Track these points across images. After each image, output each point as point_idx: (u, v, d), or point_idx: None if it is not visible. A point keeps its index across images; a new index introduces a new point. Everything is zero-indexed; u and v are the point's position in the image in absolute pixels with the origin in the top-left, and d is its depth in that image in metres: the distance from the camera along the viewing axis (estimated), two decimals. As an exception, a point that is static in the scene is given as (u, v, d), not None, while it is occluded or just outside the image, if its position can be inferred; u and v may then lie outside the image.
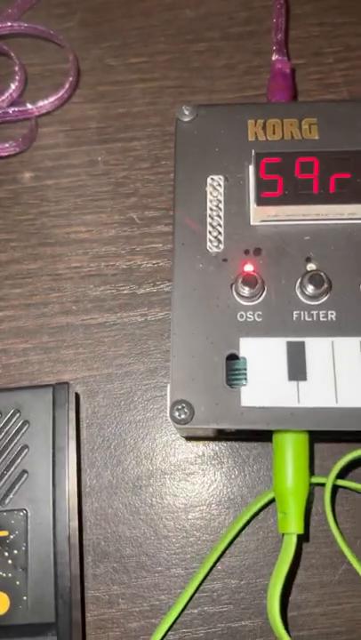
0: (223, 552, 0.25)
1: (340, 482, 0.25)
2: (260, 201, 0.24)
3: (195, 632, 0.25)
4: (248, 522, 0.25)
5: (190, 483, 0.26)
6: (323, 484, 0.24)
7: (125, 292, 0.29)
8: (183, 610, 0.25)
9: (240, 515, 0.25)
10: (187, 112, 0.27)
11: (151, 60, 0.33)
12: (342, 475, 0.25)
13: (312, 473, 0.25)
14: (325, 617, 0.24)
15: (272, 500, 0.25)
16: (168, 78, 0.33)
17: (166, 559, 0.25)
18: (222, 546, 0.25)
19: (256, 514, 0.25)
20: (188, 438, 0.27)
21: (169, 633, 0.24)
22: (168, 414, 0.23)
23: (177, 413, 0.23)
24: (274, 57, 0.30)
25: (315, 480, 0.24)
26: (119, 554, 0.25)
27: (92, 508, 0.26)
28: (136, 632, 0.25)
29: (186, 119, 0.27)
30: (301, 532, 0.23)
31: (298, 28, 0.33)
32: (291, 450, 0.24)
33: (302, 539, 0.25)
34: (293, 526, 0.23)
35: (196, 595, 0.25)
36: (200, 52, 0.33)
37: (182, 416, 0.23)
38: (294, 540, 0.23)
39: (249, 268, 0.25)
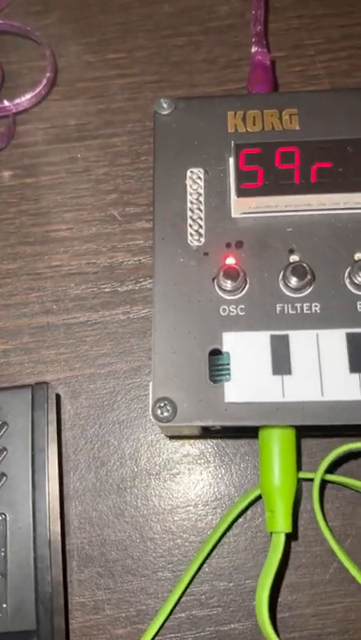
0: (210, 553, 0.24)
1: (330, 477, 0.24)
2: (241, 192, 0.24)
3: (183, 636, 0.24)
4: (234, 521, 0.24)
5: (176, 483, 0.26)
6: (311, 480, 0.24)
7: (107, 289, 0.28)
8: (170, 614, 0.24)
9: (226, 514, 0.24)
10: (165, 105, 0.27)
11: (130, 55, 0.33)
12: (331, 470, 0.25)
13: (300, 469, 0.24)
14: (317, 617, 0.24)
15: (258, 498, 0.24)
16: (147, 73, 0.32)
17: (153, 562, 0.25)
18: (209, 547, 0.24)
19: (242, 512, 0.25)
20: (173, 437, 0.26)
21: (156, 638, 0.24)
22: (150, 412, 0.22)
23: (159, 411, 0.22)
24: (253, 49, 0.29)
25: (303, 476, 0.24)
26: (104, 558, 0.25)
27: (76, 511, 0.25)
28: (123, 638, 0.24)
29: (164, 112, 0.27)
30: (290, 530, 0.22)
31: (278, 20, 0.33)
32: (277, 446, 0.23)
33: (291, 537, 0.24)
34: (281, 525, 0.22)
35: (184, 598, 0.24)
36: (179, 46, 0.33)
37: (165, 414, 0.23)
38: (282, 538, 0.22)
39: (231, 261, 0.24)
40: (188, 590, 0.24)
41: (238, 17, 0.32)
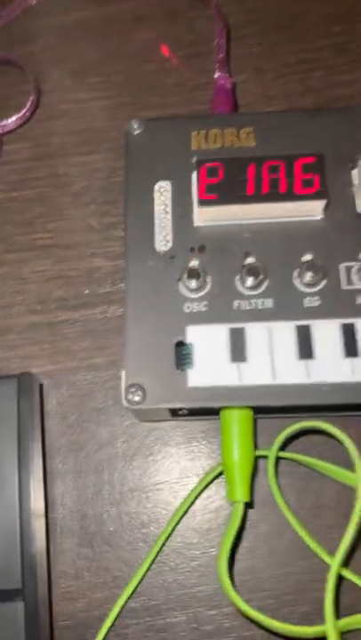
0: (178, 522, 0.27)
1: (283, 454, 0.27)
2: (202, 203, 0.27)
3: (154, 598, 0.27)
4: (200, 494, 0.27)
5: (150, 463, 0.28)
6: (267, 457, 0.27)
7: (87, 291, 0.31)
8: (143, 578, 0.27)
9: (193, 488, 0.27)
10: (136, 126, 0.30)
11: (108, 79, 0.36)
12: (285, 448, 0.27)
13: (257, 448, 0.27)
14: (275, 579, 0.27)
15: (221, 473, 0.27)
16: (123, 96, 0.35)
17: (128, 534, 0.28)
18: (177, 518, 0.27)
19: (207, 486, 0.27)
20: (145, 421, 0.29)
21: (130, 601, 0.26)
22: (123, 397, 0.25)
23: (130, 396, 0.25)
24: (216, 74, 0.33)
25: (259, 453, 0.27)
26: (84, 531, 0.28)
27: (58, 490, 0.28)
28: (101, 601, 0.27)
29: (135, 132, 0.30)
30: (247, 499, 0.25)
31: (240, 47, 0.36)
32: (236, 425, 0.26)
33: (249, 506, 0.27)
34: (240, 495, 0.25)
35: (157, 565, 0.27)
36: (152, 71, 0.36)
37: (136, 398, 0.25)
38: (241, 507, 0.25)
39: (194, 263, 0.27)
40: (160, 557, 0.27)
41: (204, 45, 0.36)
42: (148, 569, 0.27)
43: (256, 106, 0.35)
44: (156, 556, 0.27)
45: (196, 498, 0.27)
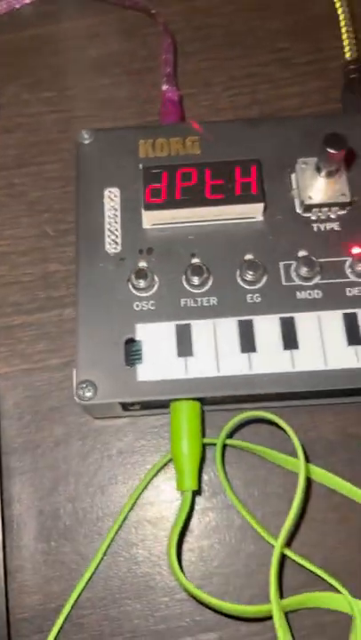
0: (128, 512, 0.28)
1: (230, 441, 0.28)
2: (148, 207, 0.28)
3: (109, 588, 0.27)
4: (148, 484, 0.28)
5: (104, 459, 0.29)
6: (215, 444, 0.28)
7: (42, 295, 0.32)
8: (96, 570, 0.28)
9: (143, 478, 0.28)
10: (86, 135, 0.31)
11: (61, 94, 0.37)
12: (234, 439, 0.29)
13: (205, 436, 0.28)
14: (223, 565, 0.28)
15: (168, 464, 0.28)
16: (77, 109, 0.37)
17: (85, 528, 0.28)
18: (127, 508, 0.28)
19: (154, 476, 0.29)
20: (99, 418, 0.30)
21: (85, 592, 0.27)
22: (74, 393, 0.26)
23: (81, 392, 0.26)
24: (164, 87, 0.34)
25: (207, 441, 0.28)
26: (40, 526, 0.28)
27: (15, 487, 0.29)
28: (57, 594, 0.27)
29: (86, 142, 0.31)
30: (196, 488, 0.26)
31: (189, 62, 0.38)
32: (184, 416, 0.27)
33: (198, 494, 0.28)
34: (188, 483, 0.26)
35: (111, 556, 0.28)
36: (105, 85, 0.37)
37: (87, 394, 0.26)
38: (190, 495, 0.26)
39: (142, 264, 0.28)
40: (115, 549, 0.28)
41: (155, 60, 0.37)
42: (101, 560, 0.28)
43: (205, 117, 0.36)
44: (108, 547, 0.28)
45: (144, 488, 0.28)
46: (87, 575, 0.27)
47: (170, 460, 0.28)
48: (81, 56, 0.38)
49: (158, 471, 0.29)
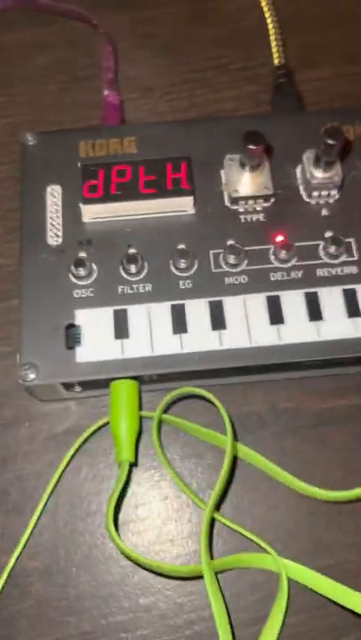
0: (58, 481, 0.30)
1: (166, 417, 0.30)
2: (86, 201, 0.31)
3: (58, 549, 0.29)
4: (80, 446, 0.31)
5: (51, 438, 0.31)
6: (152, 418, 0.30)
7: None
8: (33, 530, 0.29)
9: (72, 445, 0.31)
10: (30, 138, 0.33)
11: (11, 99, 0.39)
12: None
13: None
14: (161, 529, 0.30)
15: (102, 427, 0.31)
16: (25, 114, 0.39)
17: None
18: (57, 476, 0.30)
19: (87, 439, 0.31)
20: (44, 400, 0.32)
21: (33, 558, 0.29)
22: (18, 375, 0.28)
23: (24, 373, 0.28)
24: (105, 92, 0.37)
25: (145, 414, 0.30)
26: (-10, 503, 0.30)
27: None
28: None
29: (30, 143, 0.33)
30: (132, 459, 0.28)
31: (131, 70, 0.40)
32: (123, 394, 0.29)
33: (134, 465, 0.30)
34: (126, 455, 0.28)
35: (58, 525, 0.30)
36: (51, 92, 0.40)
37: (30, 375, 0.28)
38: (127, 466, 0.28)
39: (82, 255, 0.30)
40: (60, 517, 0.30)
41: (99, 68, 0.40)
42: (36, 523, 0.30)
43: (146, 120, 0.39)
44: (44, 508, 0.30)
45: (75, 451, 0.30)
46: (23, 540, 0.29)
47: (101, 427, 0.31)
48: (29, 64, 0.40)
49: (89, 437, 0.31)
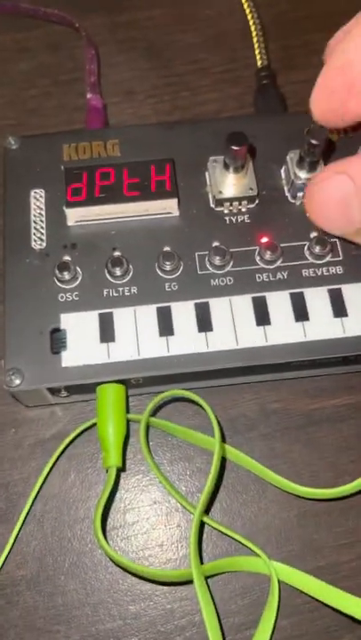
0: (41, 487, 0.30)
1: (153, 420, 0.30)
2: (69, 204, 0.30)
3: (46, 558, 0.29)
4: (66, 447, 0.30)
5: (37, 444, 0.31)
6: (139, 421, 0.30)
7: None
8: (17, 537, 0.29)
9: (59, 445, 0.30)
10: (13, 142, 0.33)
11: (-8, 104, 0.39)
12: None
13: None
14: (150, 534, 0.29)
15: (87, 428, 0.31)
16: (7, 119, 0.39)
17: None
18: (40, 481, 0.30)
19: (72, 441, 0.31)
20: (31, 407, 0.31)
21: (20, 567, 0.29)
22: (3, 380, 0.28)
23: (9, 379, 0.28)
24: (88, 95, 0.36)
25: (131, 417, 0.30)
26: (-24, 511, 0.30)
27: None
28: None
29: (12, 147, 0.33)
30: (120, 465, 0.28)
31: (114, 74, 0.40)
32: (109, 398, 0.29)
33: (122, 471, 0.30)
34: (113, 461, 0.28)
35: (45, 532, 0.29)
36: (34, 96, 0.39)
37: (15, 381, 0.28)
38: (114, 472, 0.28)
39: (67, 258, 0.30)
40: (47, 525, 0.29)
41: (81, 71, 0.39)
42: (20, 530, 0.29)
43: (129, 123, 0.39)
44: (28, 514, 0.29)
45: (61, 453, 0.30)
46: (7, 547, 0.28)
47: (87, 429, 0.30)
48: (11, 68, 0.40)
49: (74, 439, 0.30)
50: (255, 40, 0.38)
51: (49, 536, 0.29)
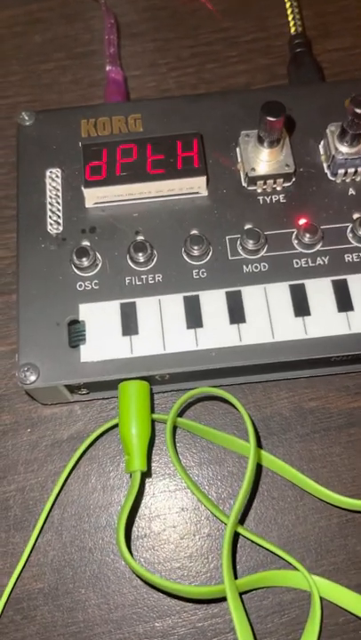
0: (59, 492, 0.28)
1: (180, 421, 0.27)
2: (88, 184, 0.28)
3: (65, 570, 0.27)
4: (85, 451, 0.28)
5: (55, 445, 0.29)
6: (165, 422, 0.27)
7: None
8: (32, 549, 0.27)
9: (79, 447, 0.28)
10: (26, 117, 0.30)
11: (5, 80, 0.36)
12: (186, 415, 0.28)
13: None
14: (178, 544, 0.27)
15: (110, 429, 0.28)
16: (21, 95, 0.36)
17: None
18: (58, 487, 0.27)
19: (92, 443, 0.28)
20: (47, 404, 0.29)
21: (38, 579, 0.26)
22: (17, 377, 0.25)
23: (24, 375, 0.26)
24: (107, 67, 0.34)
25: (157, 417, 0.27)
26: (-11, 517, 0.27)
27: None
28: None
29: (26, 123, 0.30)
30: (144, 469, 0.26)
31: (135, 45, 0.37)
32: (132, 397, 0.26)
33: (147, 475, 0.28)
34: (137, 464, 0.26)
35: (64, 541, 0.27)
36: (49, 70, 0.37)
37: (31, 377, 0.26)
38: (138, 476, 0.25)
39: (86, 243, 0.28)
40: (66, 533, 0.27)
41: (99, 43, 0.37)
42: (36, 541, 0.27)
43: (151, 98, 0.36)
44: (45, 522, 0.27)
45: (79, 458, 0.28)
46: (23, 558, 0.26)
47: (109, 430, 0.28)
48: (24, 42, 0.38)
49: (95, 441, 0.28)
50: (288, 5, 0.35)
51: (68, 546, 0.27)
